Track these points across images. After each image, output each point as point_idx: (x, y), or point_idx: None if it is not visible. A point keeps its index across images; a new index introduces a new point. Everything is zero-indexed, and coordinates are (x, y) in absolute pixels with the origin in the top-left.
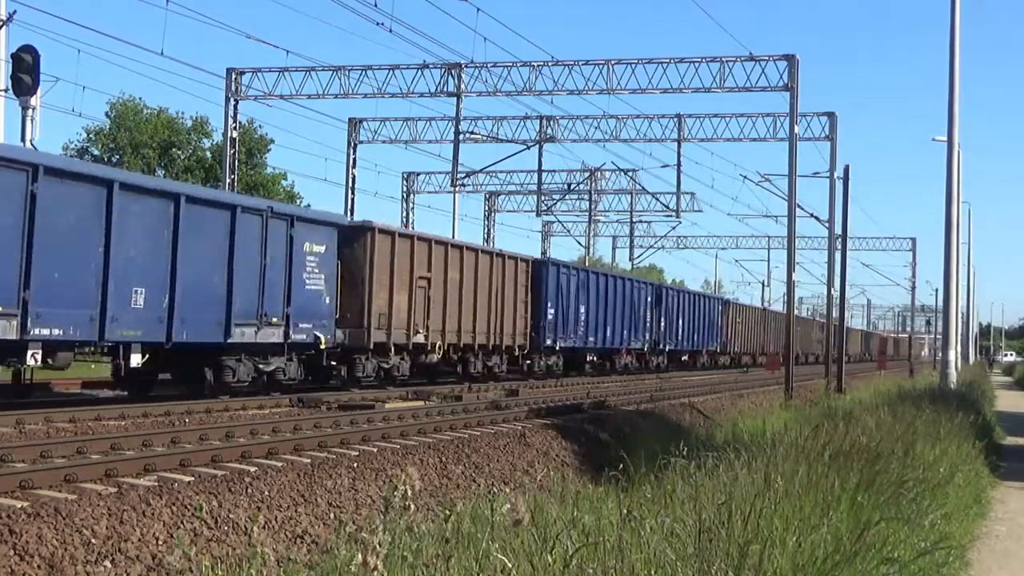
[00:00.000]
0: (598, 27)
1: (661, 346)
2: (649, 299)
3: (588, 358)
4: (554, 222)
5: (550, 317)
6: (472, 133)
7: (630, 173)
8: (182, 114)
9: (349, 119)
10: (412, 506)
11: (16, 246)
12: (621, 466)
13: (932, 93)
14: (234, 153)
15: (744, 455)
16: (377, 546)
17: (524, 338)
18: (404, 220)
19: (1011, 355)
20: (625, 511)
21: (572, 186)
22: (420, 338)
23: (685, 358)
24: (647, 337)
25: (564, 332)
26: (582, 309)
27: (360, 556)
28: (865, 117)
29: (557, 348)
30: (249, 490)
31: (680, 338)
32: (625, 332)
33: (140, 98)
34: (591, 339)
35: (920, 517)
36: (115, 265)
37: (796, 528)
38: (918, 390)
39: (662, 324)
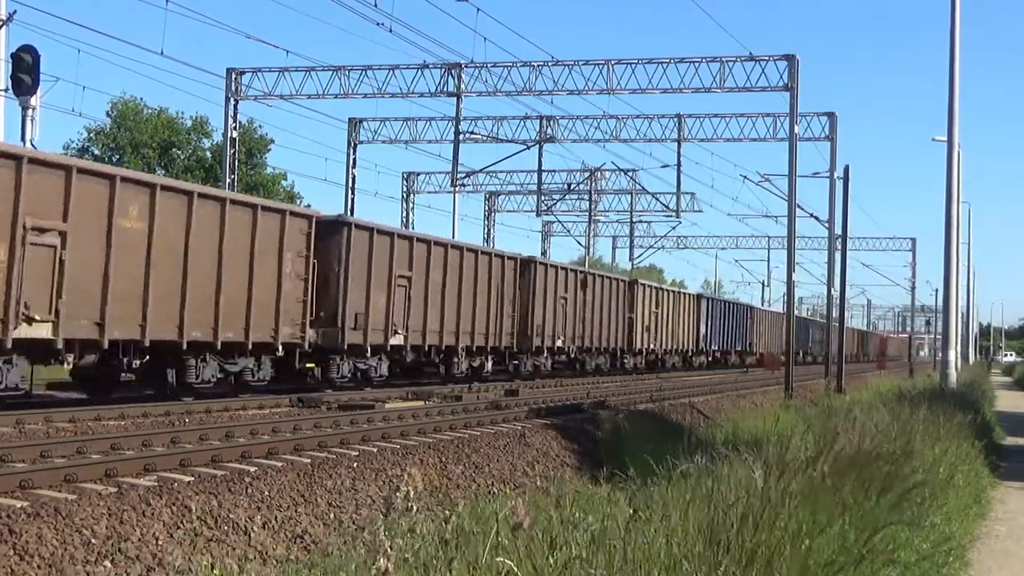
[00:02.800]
0: (598, 27)
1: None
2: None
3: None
4: (554, 222)
5: None
6: (472, 133)
7: (630, 173)
8: (182, 114)
9: (349, 119)
10: (415, 507)
11: None
12: (618, 467)
13: (932, 93)
14: (234, 153)
15: (746, 457)
16: (389, 549)
17: None
18: (404, 220)
19: (1011, 355)
20: (631, 512)
21: (572, 186)
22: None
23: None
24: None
25: None
26: None
27: (379, 560)
28: (865, 117)
29: None
30: (249, 490)
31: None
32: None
33: (140, 98)
34: None
35: (921, 518)
36: None
37: (803, 532)
38: (918, 390)
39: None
